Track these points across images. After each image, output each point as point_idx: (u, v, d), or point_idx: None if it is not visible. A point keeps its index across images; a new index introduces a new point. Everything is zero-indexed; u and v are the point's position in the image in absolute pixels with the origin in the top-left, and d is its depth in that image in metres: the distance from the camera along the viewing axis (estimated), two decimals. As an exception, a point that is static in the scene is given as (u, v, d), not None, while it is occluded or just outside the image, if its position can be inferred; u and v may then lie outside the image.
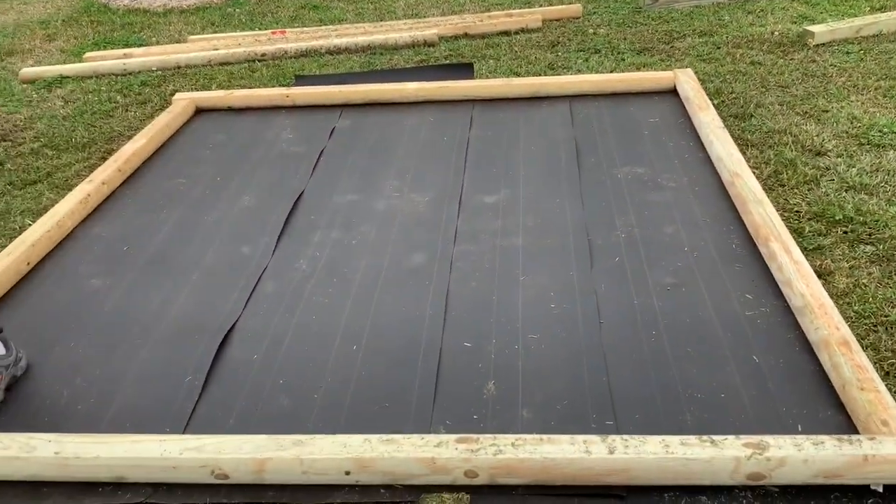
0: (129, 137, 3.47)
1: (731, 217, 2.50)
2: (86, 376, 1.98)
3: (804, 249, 2.28)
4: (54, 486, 1.64)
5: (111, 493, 1.62)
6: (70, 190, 2.98)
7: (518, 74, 3.93)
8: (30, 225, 2.72)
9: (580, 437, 1.58)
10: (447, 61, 4.22)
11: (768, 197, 2.48)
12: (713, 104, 3.22)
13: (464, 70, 4.03)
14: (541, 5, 5.17)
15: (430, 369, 1.93)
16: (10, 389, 1.94)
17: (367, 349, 2.02)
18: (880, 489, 1.53)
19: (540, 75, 3.88)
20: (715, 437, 1.56)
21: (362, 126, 3.45)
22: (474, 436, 1.61)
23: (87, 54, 4.76)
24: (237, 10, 5.73)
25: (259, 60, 4.45)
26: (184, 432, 1.77)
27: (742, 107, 3.34)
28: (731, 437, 1.56)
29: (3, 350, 1.95)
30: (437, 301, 2.19)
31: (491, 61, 4.16)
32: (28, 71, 4.45)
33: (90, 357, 2.06)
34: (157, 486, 1.63)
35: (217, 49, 4.56)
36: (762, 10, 4.69)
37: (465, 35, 4.62)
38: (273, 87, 4.02)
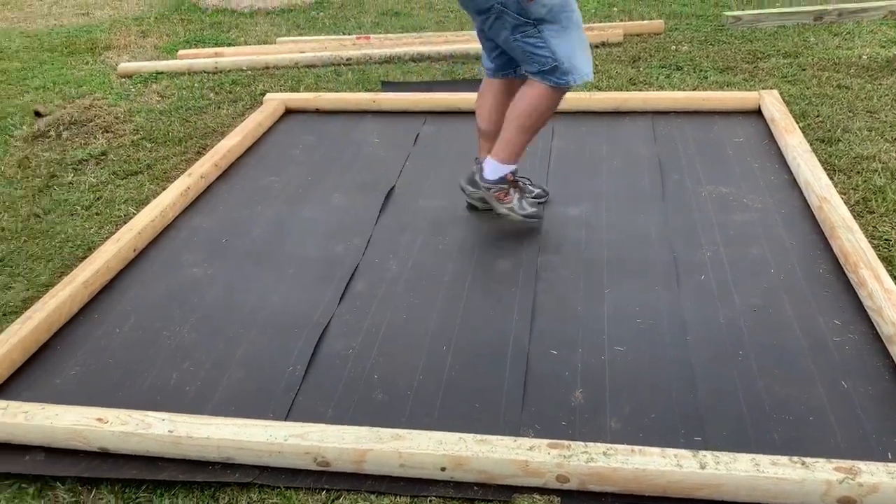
0: (222, 134, 3.62)
1: (819, 241, 2.49)
2: (193, 361, 2.10)
3: (894, 278, 2.27)
4: (169, 461, 1.76)
5: (221, 472, 1.73)
6: (169, 182, 3.15)
7: (599, 88, 3.96)
8: (133, 213, 2.88)
9: (671, 451, 1.62)
10: (528, 72, 4.27)
11: (857, 223, 2.47)
12: (798, 127, 3.21)
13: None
14: (621, 20, 5.19)
15: (519, 374, 1.99)
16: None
17: (457, 350, 2.10)
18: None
19: (621, 90, 3.91)
20: (806, 459, 1.58)
21: (446, 133, 3.54)
22: (566, 442, 1.67)
23: (181, 52, 4.97)
24: (321, 13, 5.90)
25: (344, 64, 4.58)
26: (285, 420, 1.87)
27: (829, 131, 3.31)
28: (821, 461, 1.58)
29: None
30: (524, 308, 2.26)
31: (572, 74, 4.19)
32: (126, 66, 4.67)
33: (196, 342, 2.18)
34: (262, 469, 1.73)
35: (304, 52, 4.71)
36: (849, 33, 4.63)
37: (546, 47, 4.66)
38: (358, 91, 4.14)
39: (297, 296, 2.37)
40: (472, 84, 4.16)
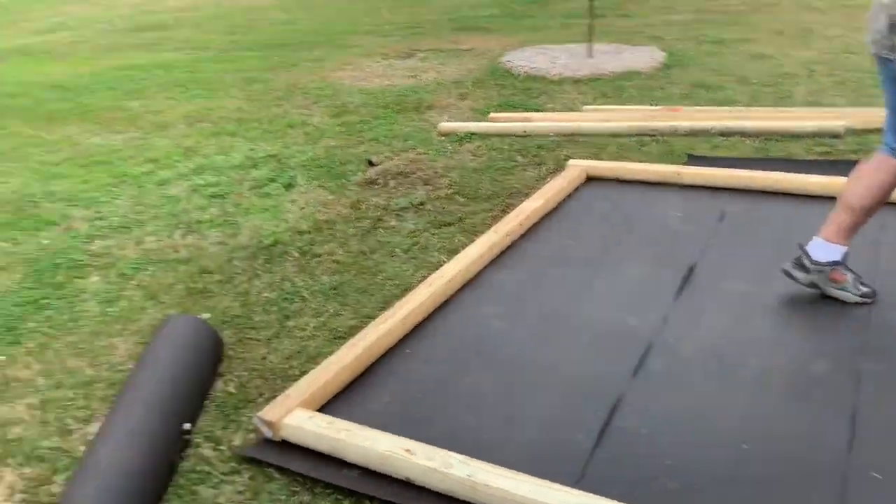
0: (526, 195, 3.80)
1: None
2: (488, 409, 2.22)
3: None
4: (462, 502, 1.86)
5: (510, 525, 1.79)
6: (476, 235, 3.37)
7: (943, 179, 3.51)
8: (444, 261, 3.13)
9: None
10: (855, 157, 3.93)
11: None
12: None
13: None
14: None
15: (833, 493, 1.81)
16: None
17: (760, 452, 1.96)
18: None
19: (972, 184, 3.42)
20: None
21: (756, 214, 3.38)
22: (891, 582, 1.47)
23: (492, 115, 5.35)
24: (628, 83, 5.99)
25: (649, 135, 4.59)
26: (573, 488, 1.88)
27: None
28: None
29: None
30: (841, 418, 2.05)
31: (908, 161, 3.77)
32: (445, 125, 5.14)
33: (491, 392, 2.30)
34: (549, 531, 1.76)
35: (609, 121, 4.81)
36: None
37: (878, 130, 4.25)
38: (661, 163, 4.12)
39: (590, 363, 2.40)
40: (787, 164, 3.93)
